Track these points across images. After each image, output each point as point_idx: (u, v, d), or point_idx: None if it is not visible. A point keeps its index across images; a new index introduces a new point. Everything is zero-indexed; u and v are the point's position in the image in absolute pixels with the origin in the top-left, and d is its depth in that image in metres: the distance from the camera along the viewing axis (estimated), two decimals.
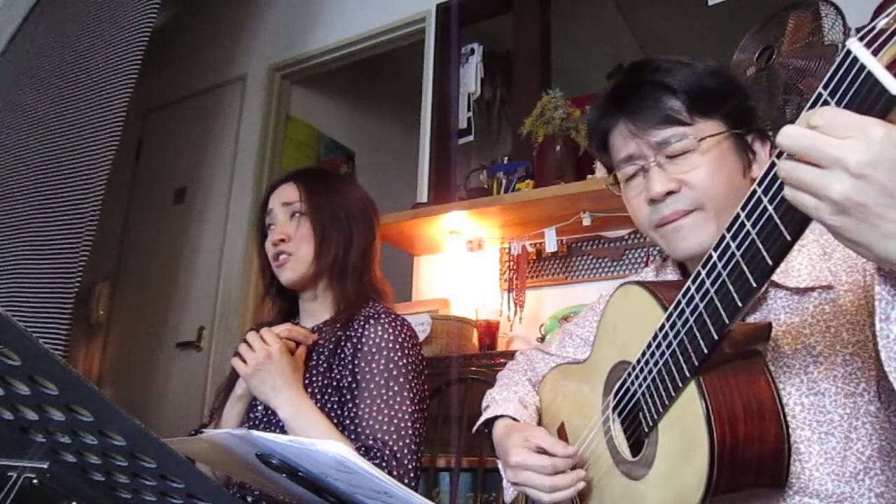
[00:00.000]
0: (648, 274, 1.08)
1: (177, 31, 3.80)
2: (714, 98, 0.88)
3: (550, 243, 2.33)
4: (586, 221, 2.24)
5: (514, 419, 1.04)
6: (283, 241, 1.30)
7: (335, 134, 3.92)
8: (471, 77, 2.90)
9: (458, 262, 2.57)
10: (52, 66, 2.72)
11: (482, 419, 1.08)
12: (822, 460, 0.76)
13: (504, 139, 3.19)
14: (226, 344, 3.19)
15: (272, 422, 1.24)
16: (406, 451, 1.14)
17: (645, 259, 2.27)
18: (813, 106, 0.55)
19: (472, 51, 2.93)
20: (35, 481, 0.65)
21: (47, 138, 2.55)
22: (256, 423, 1.26)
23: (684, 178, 0.87)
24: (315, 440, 0.71)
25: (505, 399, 1.09)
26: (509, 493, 1.08)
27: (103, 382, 3.45)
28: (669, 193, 0.87)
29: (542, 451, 0.91)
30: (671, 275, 1.01)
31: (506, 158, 2.62)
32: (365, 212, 1.38)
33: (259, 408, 1.27)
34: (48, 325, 2.21)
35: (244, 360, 1.19)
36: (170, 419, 3.12)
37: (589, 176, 2.24)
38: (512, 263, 2.44)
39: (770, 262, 0.61)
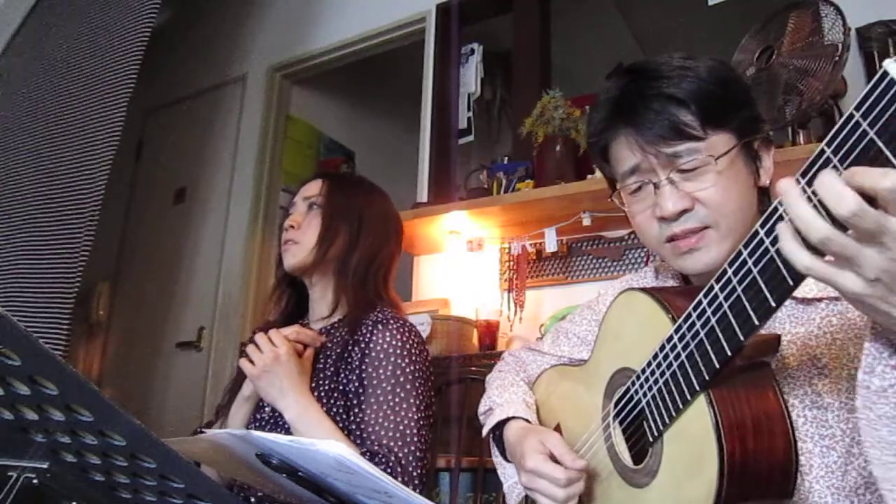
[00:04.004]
0: (648, 275, 1.07)
1: (177, 31, 3.80)
2: (726, 109, 0.85)
3: (550, 243, 2.33)
4: (586, 221, 2.24)
5: (527, 420, 1.03)
6: (292, 227, 1.34)
7: (335, 134, 3.92)
8: (471, 77, 2.90)
9: (458, 262, 2.57)
10: (52, 67, 2.72)
11: (493, 422, 1.06)
12: (823, 474, 0.75)
13: (504, 139, 3.19)
14: (226, 344, 3.19)
15: (279, 424, 1.24)
16: (411, 457, 1.14)
17: (645, 259, 2.27)
18: (842, 128, 0.53)
19: (472, 51, 2.93)
20: (35, 481, 0.65)
21: (47, 138, 2.55)
22: (263, 424, 1.26)
23: (698, 195, 0.83)
24: (315, 440, 0.71)
25: (508, 402, 1.07)
26: (513, 497, 1.07)
27: (103, 382, 3.45)
28: (682, 212, 0.84)
29: (553, 459, 0.89)
30: (672, 279, 1.00)
31: (506, 158, 2.62)
32: (383, 222, 1.39)
33: (266, 409, 1.27)
34: (48, 325, 2.21)
35: (252, 361, 1.19)
36: (170, 419, 3.12)
37: (589, 176, 2.23)
38: (512, 263, 2.44)
39: (791, 283, 0.59)
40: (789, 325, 0.82)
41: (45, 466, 0.66)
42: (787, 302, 0.82)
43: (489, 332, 2.30)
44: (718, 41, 2.13)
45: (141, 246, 3.69)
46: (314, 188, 1.38)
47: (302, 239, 1.33)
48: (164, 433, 0.66)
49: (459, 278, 2.55)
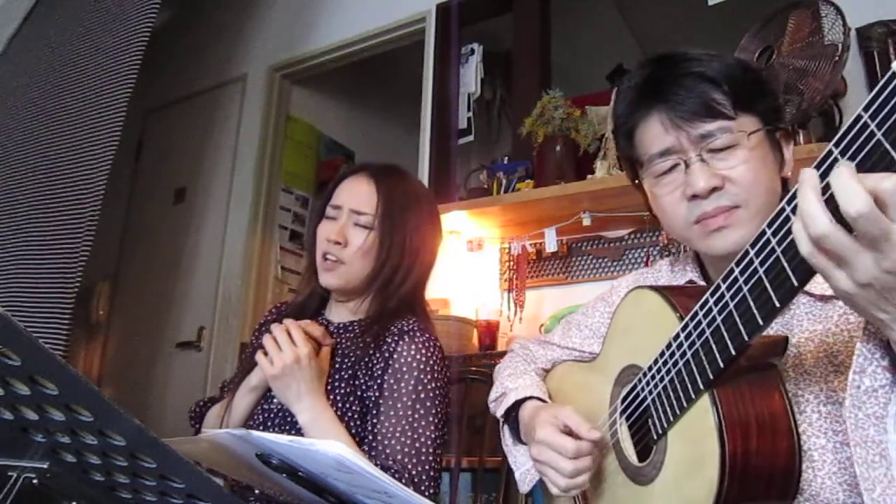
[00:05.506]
0: (663, 268, 1.06)
1: (177, 31, 3.80)
2: (754, 93, 0.86)
3: (550, 243, 2.33)
4: (586, 221, 2.24)
5: (542, 400, 1.03)
6: (338, 243, 1.23)
7: (335, 134, 3.92)
8: (471, 77, 2.90)
9: (458, 262, 2.57)
10: (52, 67, 2.72)
11: (509, 402, 1.05)
12: (836, 469, 0.75)
13: (504, 139, 3.19)
14: (226, 344, 3.19)
15: (286, 419, 1.21)
16: (424, 476, 1.11)
17: (645, 259, 2.27)
18: (850, 129, 0.53)
19: (472, 51, 2.93)
20: (35, 481, 0.65)
21: (47, 138, 2.55)
22: (271, 415, 1.24)
23: (728, 174, 0.84)
24: (315, 440, 0.71)
25: (522, 385, 1.07)
26: (525, 484, 1.07)
27: (103, 382, 3.45)
28: (713, 190, 0.84)
29: (567, 431, 0.88)
30: (690, 273, 0.99)
31: (506, 158, 2.62)
32: (434, 246, 1.32)
33: (275, 400, 1.24)
34: (48, 325, 2.21)
35: (268, 354, 1.15)
36: (170, 419, 3.12)
37: (589, 176, 2.23)
38: (512, 263, 2.44)
39: (795, 283, 0.59)
40: (807, 322, 0.82)
41: (45, 466, 0.66)
42: (806, 299, 0.82)
43: (489, 332, 2.30)
44: (718, 41, 2.12)
45: (141, 246, 3.69)
46: (366, 202, 1.25)
47: (348, 259, 1.23)
48: (164, 433, 0.66)
49: (459, 278, 2.55)
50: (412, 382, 1.17)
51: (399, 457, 1.11)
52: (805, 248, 0.55)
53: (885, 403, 0.60)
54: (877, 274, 0.52)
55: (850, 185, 0.50)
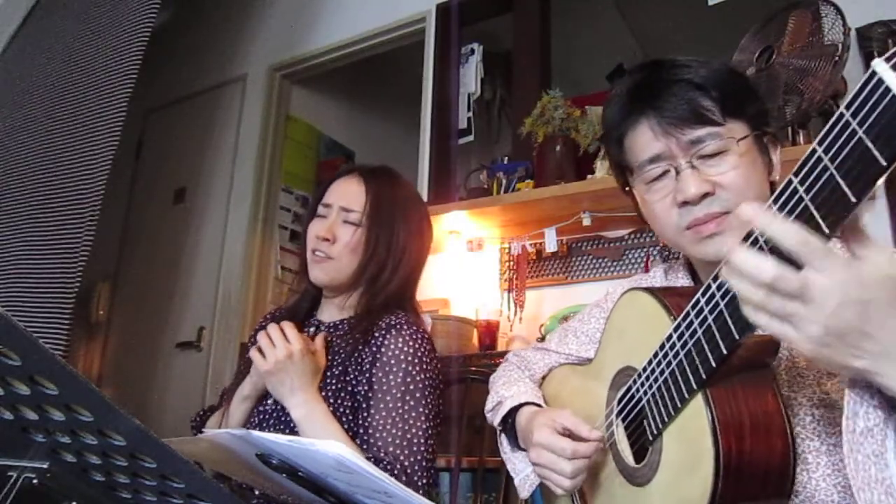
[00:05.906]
0: (657, 275, 1.07)
1: (177, 31, 3.80)
2: (742, 98, 0.87)
3: (550, 243, 2.33)
4: (586, 221, 2.24)
5: (538, 405, 1.03)
6: (326, 239, 1.27)
7: (335, 134, 3.91)
8: (471, 77, 2.90)
9: (458, 262, 2.57)
10: (52, 66, 2.72)
11: (506, 409, 1.05)
12: (829, 471, 0.76)
13: (504, 139, 3.19)
14: (226, 344, 3.19)
15: (281, 419, 1.23)
16: (417, 467, 1.12)
17: (645, 259, 2.27)
18: (833, 127, 0.54)
19: (472, 51, 2.93)
20: (35, 481, 0.65)
21: (47, 138, 2.55)
22: (266, 416, 1.25)
23: (718, 179, 0.84)
24: (315, 440, 0.71)
25: (518, 393, 1.07)
26: (525, 489, 1.07)
27: (103, 382, 3.45)
28: (704, 196, 0.84)
29: (566, 433, 0.89)
30: (682, 279, 1.00)
31: (506, 158, 2.62)
32: (422, 242, 1.34)
33: (269, 402, 1.26)
34: (48, 325, 2.21)
35: (263, 354, 1.17)
36: (170, 419, 3.12)
37: (589, 176, 2.23)
38: (512, 263, 2.44)
39: None
40: None
41: (45, 466, 0.66)
42: None
43: (489, 332, 2.30)
44: (718, 41, 2.13)
45: (141, 246, 3.69)
46: (355, 200, 1.29)
47: (337, 255, 1.27)
48: (164, 433, 0.66)
49: (459, 278, 2.55)
50: (401, 375, 1.18)
51: (391, 449, 1.12)
52: (757, 320, 0.59)
53: (883, 440, 0.61)
54: (823, 321, 0.55)
55: (752, 260, 0.57)
